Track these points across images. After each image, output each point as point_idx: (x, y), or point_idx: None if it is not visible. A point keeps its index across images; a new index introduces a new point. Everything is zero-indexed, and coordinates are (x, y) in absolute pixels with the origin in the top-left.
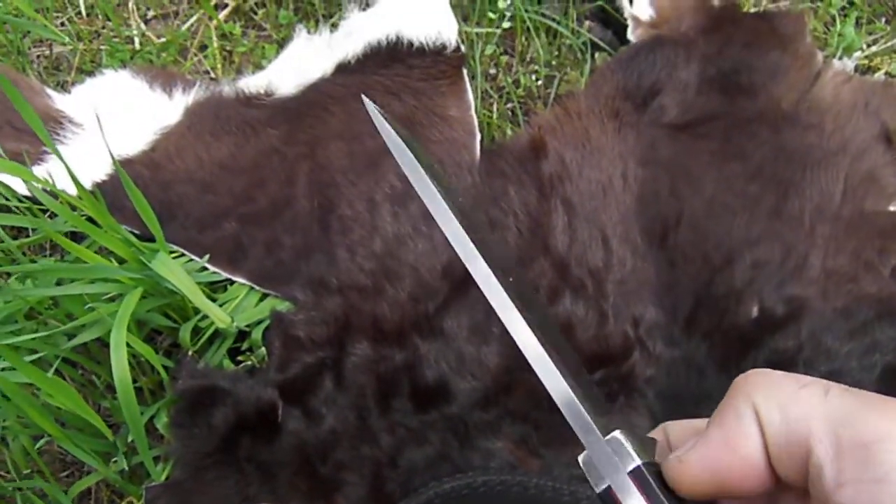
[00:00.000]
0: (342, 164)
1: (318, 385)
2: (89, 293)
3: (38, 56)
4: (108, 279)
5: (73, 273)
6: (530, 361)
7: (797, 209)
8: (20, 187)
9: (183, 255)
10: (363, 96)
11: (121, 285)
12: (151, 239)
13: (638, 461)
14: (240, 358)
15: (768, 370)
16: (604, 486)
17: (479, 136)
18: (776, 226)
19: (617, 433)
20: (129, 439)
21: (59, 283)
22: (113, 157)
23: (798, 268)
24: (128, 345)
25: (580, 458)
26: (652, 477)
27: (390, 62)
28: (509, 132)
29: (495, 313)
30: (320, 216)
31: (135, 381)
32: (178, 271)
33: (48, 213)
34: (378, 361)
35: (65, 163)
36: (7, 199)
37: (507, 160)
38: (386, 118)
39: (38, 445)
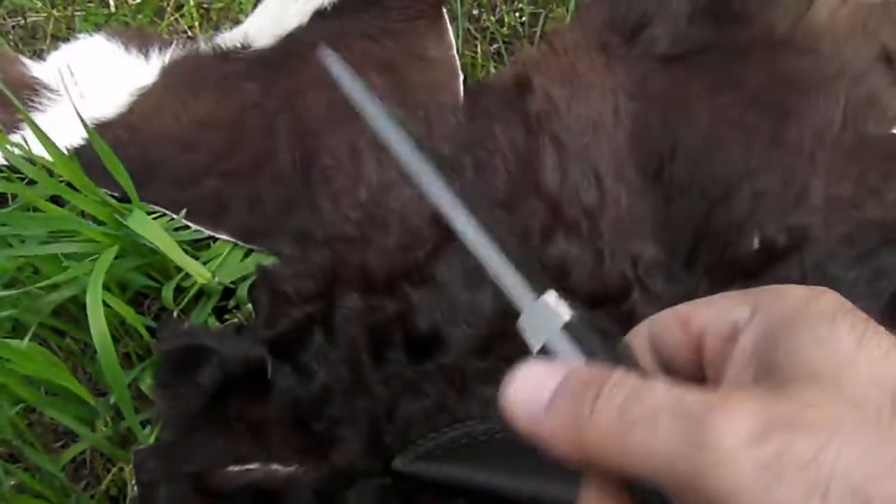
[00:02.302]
0: (322, 114)
1: (309, 340)
2: (66, 253)
3: (14, 26)
4: (84, 239)
5: (41, 226)
6: (460, 234)
7: (796, 137)
8: None
9: (165, 215)
10: (321, 46)
11: (97, 245)
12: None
13: (570, 313)
14: (226, 317)
15: None
16: (539, 346)
17: (461, 77)
18: (775, 155)
19: (549, 293)
20: (112, 401)
21: None
22: (82, 119)
23: (799, 196)
24: (109, 307)
25: (517, 324)
26: (586, 328)
27: (367, 5)
28: (493, 72)
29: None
30: (302, 168)
31: (121, 346)
32: (155, 228)
33: (26, 182)
34: (369, 313)
35: (35, 126)
36: None
37: (491, 99)
38: (343, 67)
39: (13, 410)
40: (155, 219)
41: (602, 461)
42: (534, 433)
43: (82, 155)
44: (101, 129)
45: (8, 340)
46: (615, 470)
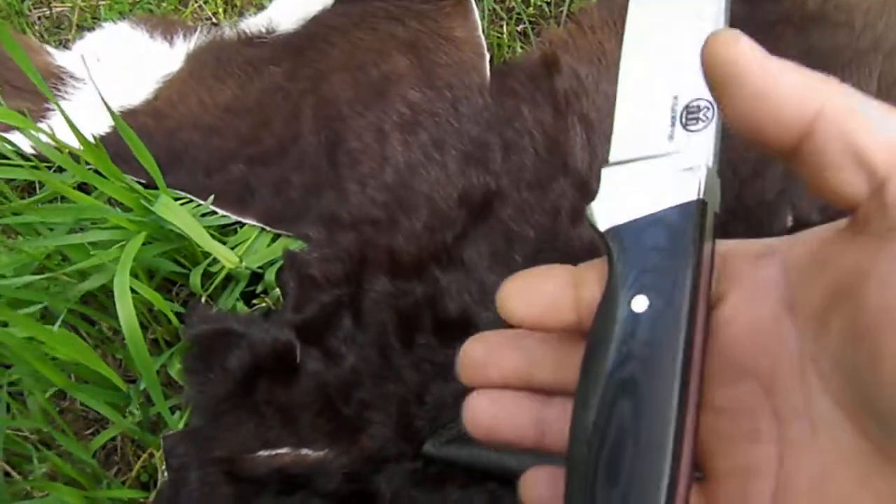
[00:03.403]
0: (347, 96)
1: (337, 324)
2: (94, 242)
3: (39, 17)
4: (112, 227)
5: (68, 214)
6: None
7: None
8: (25, 145)
9: (192, 201)
10: None
11: (125, 232)
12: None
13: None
14: (254, 302)
15: None
16: None
17: (488, 57)
18: None
19: None
20: (142, 387)
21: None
22: (107, 105)
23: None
24: (137, 294)
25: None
26: None
27: None
28: (520, 52)
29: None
30: (328, 151)
31: (150, 333)
32: (181, 213)
33: (53, 170)
34: (397, 296)
35: (63, 113)
36: (9, 159)
37: (518, 79)
38: None
39: (47, 394)
40: (182, 205)
41: None
42: None
43: (108, 143)
44: (127, 117)
45: (40, 325)
46: None
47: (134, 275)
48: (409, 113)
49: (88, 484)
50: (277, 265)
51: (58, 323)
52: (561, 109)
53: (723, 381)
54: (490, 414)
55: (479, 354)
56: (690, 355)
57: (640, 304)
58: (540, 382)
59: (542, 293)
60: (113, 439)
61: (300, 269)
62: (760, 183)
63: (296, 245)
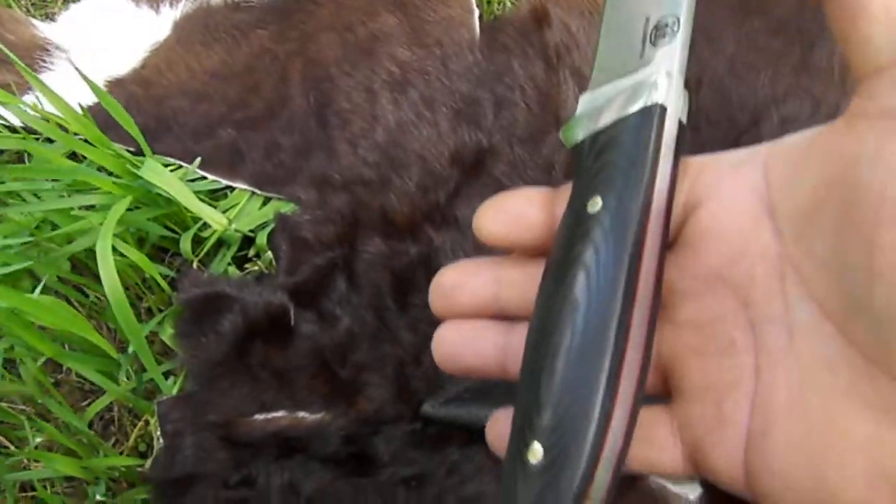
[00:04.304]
0: (335, 56)
1: (331, 286)
2: (82, 207)
3: None
4: (100, 192)
5: (54, 176)
6: None
7: (825, 60)
8: (14, 120)
9: (181, 167)
10: None
11: (112, 197)
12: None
13: None
14: (247, 266)
15: None
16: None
17: (477, 13)
18: (803, 80)
19: None
20: (131, 351)
21: None
22: (81, 73)
23: (830, 118)
24: (126, 258)
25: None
26: None
27: None
28: (510, 7)
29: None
30: (317, 112)
31: (143, 302)
32: (169, 177)
33: (41, 142)
34: (391, 257)
35: (40, 85)
36: None
37: (508, 34)
38: None
39: (36, 365)
40: (172, 171)
41: None
42: None
43: (98, 113)
44: (115, 87)
45: (24, 294)
46: None
47: (124, 242)
48: (399, 71)
49: (85, 454)
50: (269, 229)
51: (38, 290)
52: (552, 63)
53: (697, 293)
54: (453, 342)
55: (449, 281)
56: (639, 257)
57: (595, 204)
58: (509, 307)
59: (516, 211)
60: (110, 410)
61: (292, 231)
62: (758, 131)
63: (287, 208)
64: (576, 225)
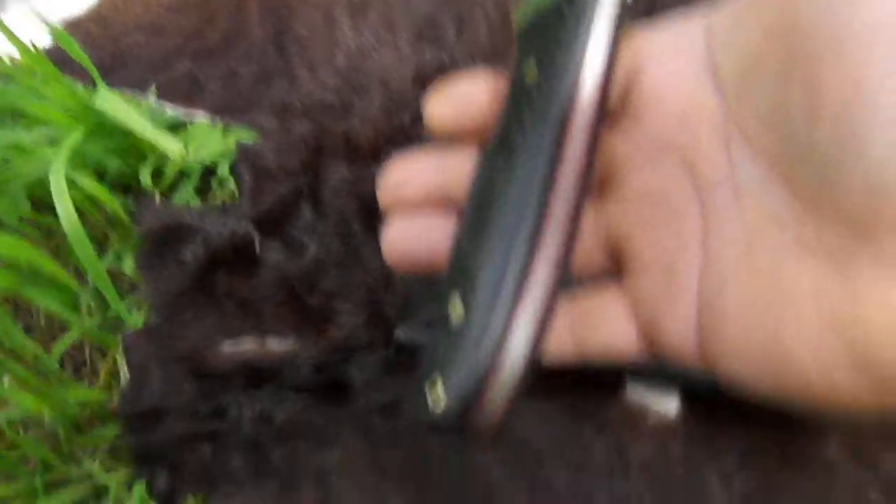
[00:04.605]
0: None
1: (296, 214)
2: (33, 141)
3: None
4: (56, 126)
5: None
6: None
7: None
8: None
9: (138, 101)
10: None
11: (67, 131)
12: None
13: None
14: (209, 197)
15: None
16: None
17: None
18: None
19: None
20: (91, 283)
21: None
22: (36, 13)
23: None
24: (83, 190)
25: None
26: None
27: None
28: None
29: None
30: (276, 40)
31: (108, 241)
32: (122, 106)
33: None
34: (356, 182)
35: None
36: None
37: None
38: None
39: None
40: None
41: None
42: None
43: (53, 52)
44: (73, 27)
45: None
46: None
47: (82, 177)
48: None
49: (55, 392)
50: (231, 160)
51: None
52: None
53: (643, 164)
54: (403, 237)
55: (395, 173)
56: (569, 122)
57: (531, 74)
58: (457, 196)
59: (463, 94)
60: (81, 352)
61: (254, 160)
62: None
63: (249, 137)
64: (511, 97)
